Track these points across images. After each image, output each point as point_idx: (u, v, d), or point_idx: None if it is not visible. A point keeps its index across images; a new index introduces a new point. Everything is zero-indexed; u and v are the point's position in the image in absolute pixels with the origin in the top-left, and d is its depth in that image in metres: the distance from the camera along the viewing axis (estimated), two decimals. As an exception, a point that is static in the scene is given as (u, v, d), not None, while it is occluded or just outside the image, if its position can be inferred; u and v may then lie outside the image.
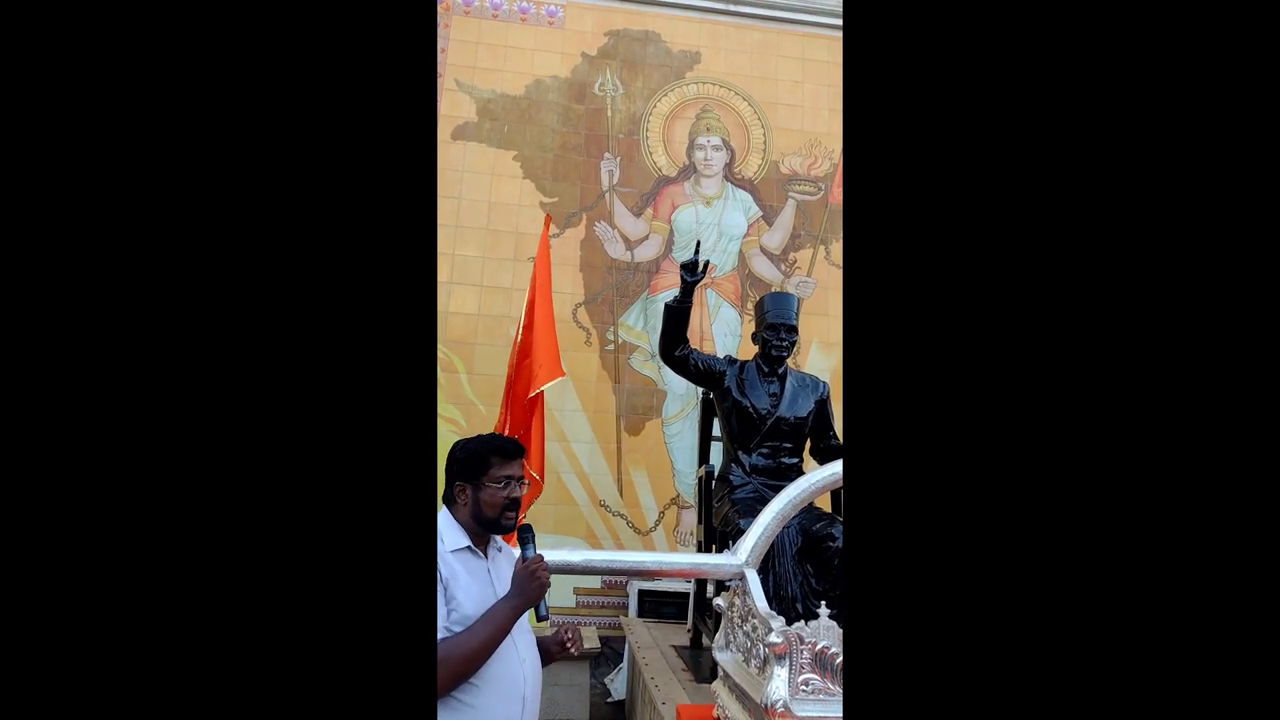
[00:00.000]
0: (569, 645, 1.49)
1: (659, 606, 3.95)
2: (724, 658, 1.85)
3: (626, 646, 3.78)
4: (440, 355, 4.64)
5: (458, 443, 1.51)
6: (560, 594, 4.35)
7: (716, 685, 1.89)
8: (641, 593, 4.03)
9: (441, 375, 4.61)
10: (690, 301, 2.85)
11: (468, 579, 1.37)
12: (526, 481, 1.50)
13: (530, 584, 1.36)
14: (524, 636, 1.43)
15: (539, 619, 1.39)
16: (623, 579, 4.33)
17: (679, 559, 2.00)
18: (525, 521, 1.50)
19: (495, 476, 1.43)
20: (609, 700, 3.95)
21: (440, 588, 1.33)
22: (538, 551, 1.42)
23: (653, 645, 3.21)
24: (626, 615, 4.09)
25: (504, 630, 1.33)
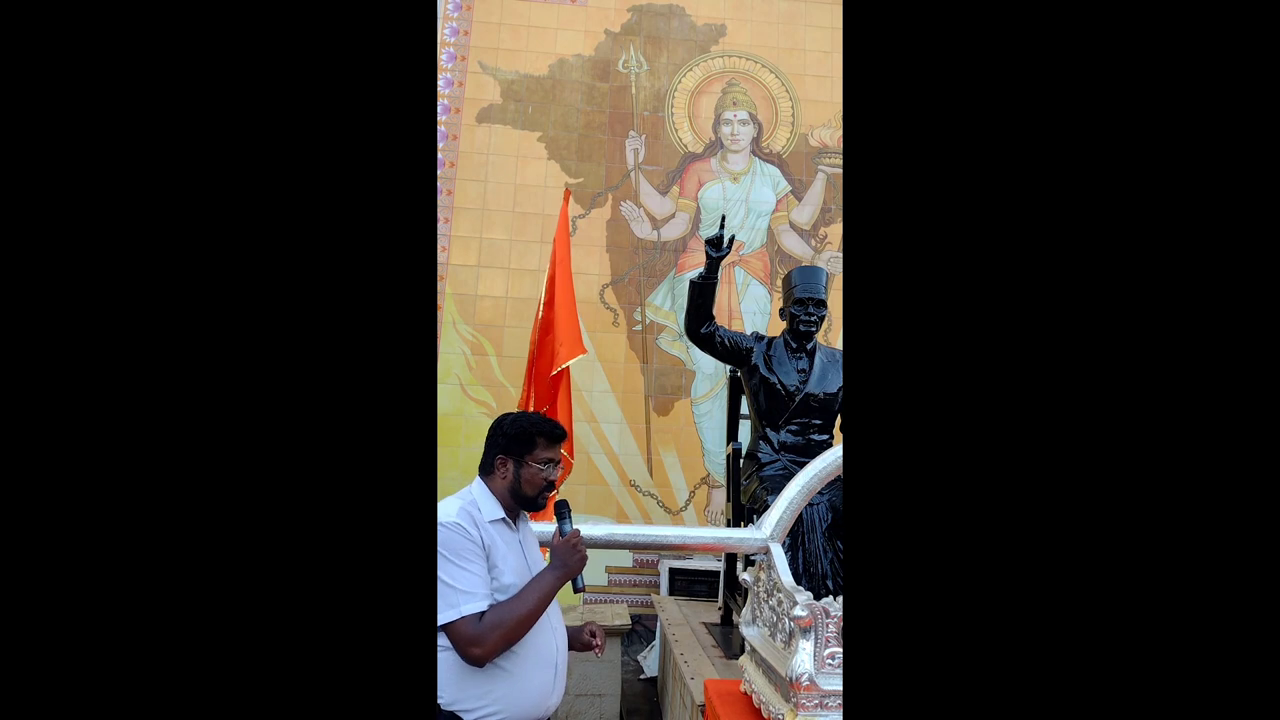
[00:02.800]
0: (595, 647, 1.52)
1: (690, 584, 3.96)
2: (751, 633, 1.84)
3: (658, 624, 3.81)
4: (470, 338, 4.69)
5: (505, 416, 1.54)
6: (593, 572, 4.38)
7: (744, 660, 1.88)
8: (673, 571, 4.04)
9: (472, 358, 4.66)
10: (716, 278, 2.81)
11: (505, 549, 1.41)
12: (562, 465, 1.54)
13: (572, 556, 1.42)
14: (554, 609, 1.47)
15: (575, 591, 1.43)
16: (654, 557, 4.35)
17: (703, 533, 2.00)
18: (561, 497, 1.53)
19: (539, 458, 1.47)
20: (641, 677, 3.98)
21: (484, 554, 1.37)
22: (575, 526, 1.47)
23: (683, 622, 3.23)
24: (658, 593, 4.11)
25: (548, 599, 1.39)
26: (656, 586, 4.26)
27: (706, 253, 2.76)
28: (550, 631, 1.42)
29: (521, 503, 1.47)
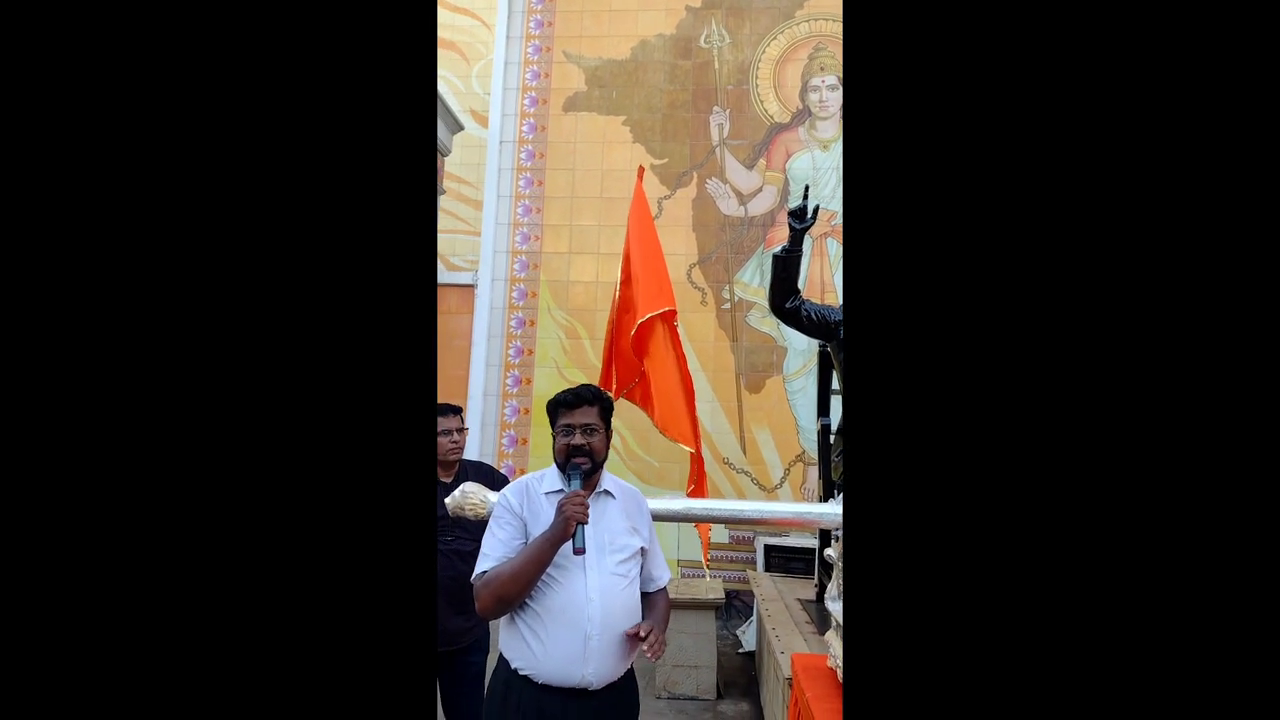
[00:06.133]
0: (645, 647, 1.43)
1: (787, 561, 3.95)
2: (835, 608, 1.82)
3: (755, 599, 3.82)
4: (564, 322, 4.85)
5: None
6: (690, 548, 4.47)
7: (830, 635, 1.88)
8: (768, 548, 4.04)
9: (566, 341, 4.83)
10: (799, 250, 2.75)
11: (550, 516, 1.46)
12: (595, 428, 1.53)
13: (556, 516, 1.43)
14: (603, 579, 1.46)
15: (575, 552, 1.41)
16: (750, 534, 4.36)
17: (779, 507, 1.99)
18: (586, 464, 1.49)
19: (559, 425, 1.53)
20: (740, 650, 4.02)
21: (519, 522, 1.47)
22: (579, 488, 1.45)
23: (778, 598, 3.23)
24: (754, 570, 4.12)
25: (535, 560, 1.40)
26: (753, 563, 4.27)
27: (790, 224, 2.71)
28: (584, 600, 1.42)
29: (560, 469, 1.52)
